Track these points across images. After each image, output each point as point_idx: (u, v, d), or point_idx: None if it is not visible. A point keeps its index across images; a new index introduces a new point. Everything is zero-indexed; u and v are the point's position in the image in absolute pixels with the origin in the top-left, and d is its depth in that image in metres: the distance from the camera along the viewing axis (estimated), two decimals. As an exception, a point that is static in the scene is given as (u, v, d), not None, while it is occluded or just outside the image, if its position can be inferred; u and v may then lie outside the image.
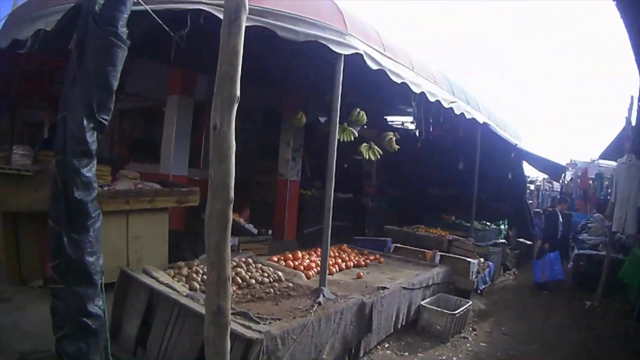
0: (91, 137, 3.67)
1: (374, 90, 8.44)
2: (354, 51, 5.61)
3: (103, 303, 3.84)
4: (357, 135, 9.05)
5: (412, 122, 14.04)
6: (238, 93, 3.33)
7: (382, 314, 5.82)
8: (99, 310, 3.77)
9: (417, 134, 9.74)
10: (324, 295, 5.26)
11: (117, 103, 4.27)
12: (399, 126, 15.12)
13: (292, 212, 11.80)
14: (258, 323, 4.25)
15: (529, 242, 13.90)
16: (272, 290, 5.47)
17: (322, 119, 9.89)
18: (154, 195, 6.94)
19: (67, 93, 3.78)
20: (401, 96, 9.91)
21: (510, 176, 13.94)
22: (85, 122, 3.63)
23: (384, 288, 6.03)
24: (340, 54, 5.50)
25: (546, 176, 23.32)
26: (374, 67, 6.02)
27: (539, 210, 18.48)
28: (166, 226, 7.22)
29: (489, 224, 13.19)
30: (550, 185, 28.10)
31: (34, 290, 6.69)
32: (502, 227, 13.40)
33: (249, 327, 4.11)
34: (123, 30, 3.76)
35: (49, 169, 3.71)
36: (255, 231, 8.94)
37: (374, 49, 6.05)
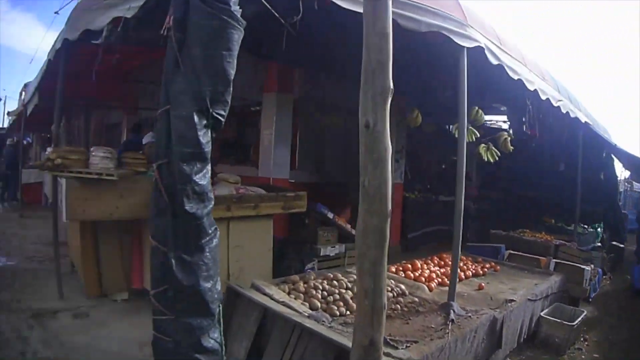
0: (204, 137, 3.05)
1: (473, 87, 7.84)
2: (475, 44, 5.01)
3: (220, 335, 3.26)
4: (478, 135, 8.35)
5: (505, 122, 13.31)
6: (391, 84, 2.74)
7: (510, 329, 5.32)
8: (216, 344, 3.20)
9: (510, 132, 9.06)
10: (454, 311, 4.75)
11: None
12: (495, 126, 14.36)
13: (396, 216, 11.06)
14: (396, 348, 3.75)
15: (621, 245, 13.00)
16: (398, 306, 4.94)
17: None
18: (259, 201, 6.32)
19: (167, 84, 3.17)
20: (496, 94, 9.22)
21: (602, 176, 13.13)
22: (196, 118, 3.01)
23: (512, 301, 5.53)
24: (463, 47, 4.92)
25: (627, 175, 22.22)
26: (494, 62, 5.40)
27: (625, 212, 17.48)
28: (271, 234, 6.62)
29: (586, 227, 12.37)
30: (629, 185, 26.77)
31: (117, 304, 6.18)
32: (599, 230, 12.62)
33: (388, 355, 3.56)
34: (236, 9, 3.15)
35: (150, 175, 3.09)
36: (361, 237, 8.23)
37: (493, 43, 5.47)
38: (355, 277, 5.01)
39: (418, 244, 11.09)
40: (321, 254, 7.40)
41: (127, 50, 6.02)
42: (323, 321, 4.07)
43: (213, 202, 3.16)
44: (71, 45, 5.49)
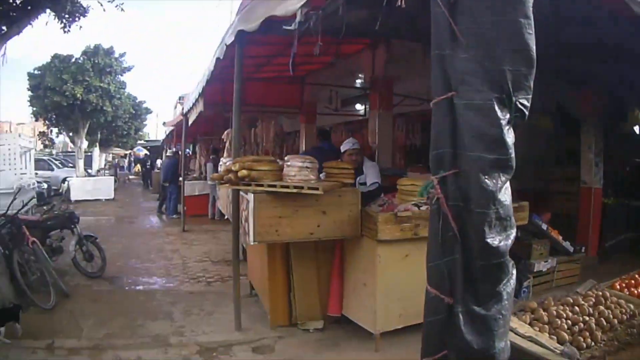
0: (509, 136, 2.15)
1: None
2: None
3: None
4: None
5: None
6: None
7: None
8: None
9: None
10: (684, 333, 4.06)
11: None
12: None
13: (596, 223, 10.16)
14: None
15: None
16: (634, 330, 4.24)
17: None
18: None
19: (444, 62, 2.33)
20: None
21: None
22: (497, 109, 2.10)
23: None
24: None
25: None
26: None
27: None
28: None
29: None
30: None
31: (309, 334, 5.35)
32: None
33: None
34: None
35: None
36: (572, 249, 7.46)
37: None
38: (593, 300, 4.63)
39: (614, 253, 9.95)
40: (535, 269, 6.78)
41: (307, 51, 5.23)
42: (578, 358, 3.46)
43: (515, 230, 2.23)
44: (246, 40, 5.06)
